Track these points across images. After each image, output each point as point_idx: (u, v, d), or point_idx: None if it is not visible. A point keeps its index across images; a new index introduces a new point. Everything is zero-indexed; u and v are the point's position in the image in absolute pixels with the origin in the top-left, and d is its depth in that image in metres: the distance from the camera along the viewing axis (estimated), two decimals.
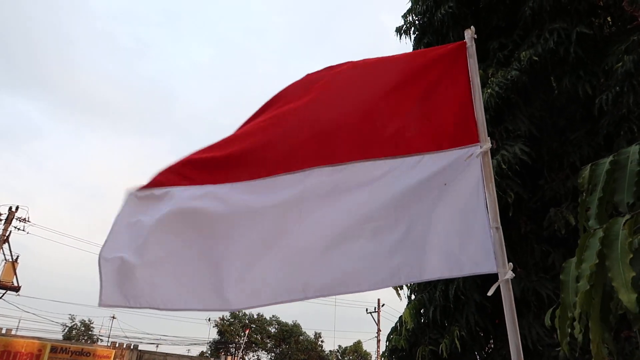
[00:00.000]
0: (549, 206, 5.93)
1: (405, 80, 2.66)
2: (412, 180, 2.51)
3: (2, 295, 23.94)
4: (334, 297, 2.58)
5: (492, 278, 2.28)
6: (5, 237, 23.78)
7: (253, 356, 48.89)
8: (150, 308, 2.37)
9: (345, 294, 2.51)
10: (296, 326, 50.19)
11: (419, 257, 2.44)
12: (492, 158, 5.65)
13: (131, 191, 2.53)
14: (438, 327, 6.47)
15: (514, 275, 2.25)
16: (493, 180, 2.43)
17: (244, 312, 46.52)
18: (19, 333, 25.12)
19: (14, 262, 24.03)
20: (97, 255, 2.37)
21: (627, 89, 5.32)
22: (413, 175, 2.52)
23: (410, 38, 8.39)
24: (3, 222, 24.05)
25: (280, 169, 2.55)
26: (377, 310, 36.15)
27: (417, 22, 8.29)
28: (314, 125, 2.66)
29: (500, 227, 2.34)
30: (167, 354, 28.55)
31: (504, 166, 5.73)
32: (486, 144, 2.46)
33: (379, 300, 36.38)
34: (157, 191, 2.52)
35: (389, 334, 7.02)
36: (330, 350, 53.27)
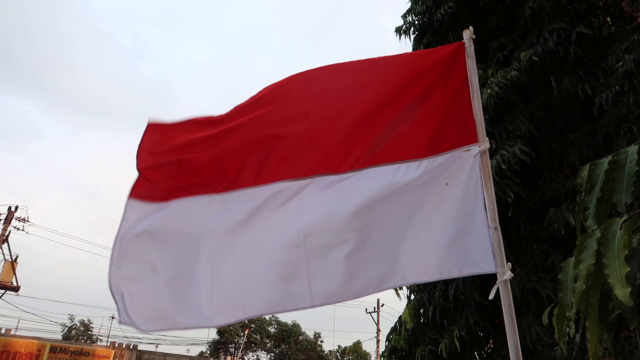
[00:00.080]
0: (548, 206, 5.93)
1: (404, 84, 2.65)
2: (410, 184, 2.51)
3: (2, 295, 23.93)
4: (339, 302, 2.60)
5: (492, 278, 2.28)
6: (5, 237, 23.77)
7: (252, 356, 48.91)
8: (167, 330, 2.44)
9: (349, 300, 2.51)
10: (295, 326, 50.20)
11: (419, 257, 2.44)
12: (491, 158, 5.68)
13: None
14: (437, 327, 6.46)
15: (512, 275, 2.25)
16: (491, 180, 2.43)
17: None
18: (18, 333, 25.11)
19: (13, 262, 24.02)
20: (102, 262, 2.45)
21: (627, 88, 5.33)
22: (413, 180, 2.52)
23: (409, 38, 8.39)
24: (2, 222, 24.04)
25: (277, 177, 2.57)
26: (377, 310, 36.16)
27: (416, 22, 8.28)
28: (313, 133, 2.64)
29: (499, 227, 2.34)
30: (166, 354, 28.54)
31: (503, 166, 5.73)
32: (484, 144, 2.46)
33: (378, 300, 36.42)
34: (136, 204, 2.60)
35: (388, 334, 7.01)
36: (329, 350, 53.32)
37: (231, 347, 45.81)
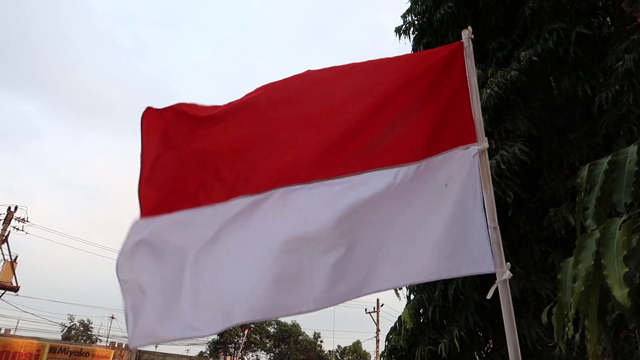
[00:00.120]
0: (548, 206, 5.93)
1: (402, 85, 2.65)
2: (409, 184, 2.51)
3: (1, 296, 23.92)
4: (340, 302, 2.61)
5: (492, 278, 2.28)
6: (4, 237, 23.76)
7: (252, 356, 48.91)
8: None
9: (349, 300, 2.51)
10: (295, 326, 50.21)
11: (418, 257, 2.44)
12: (491, 158, 5.69)
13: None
14: (437, 327, 6.46)
15: (511, 275, 2.24)
16: (490, 179, 2.42)
17: None
18: (17, 333, 25.11)
19: (12, 262, 24.01)
20: (110, 268, 2.46)
21: (627, 88, 5.33)
22: (412, 181, 2.52)
23: (409, 38, 8.39)
24: (2, 222, 24.03)
25: (273, 184, 2.55)
26: (376, 310, 36.17)
27: (416, 22, 8.29)
28: (308, 138, 2.62)
29: (498, 226, 2.34)
30: (166, 354, 28.54)
31: (503, 166, 5.73)
32: (483, 144, 2.46)
33: (378, 300, 36.41)
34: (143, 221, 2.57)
35: (388, 334, 7.02)
36: (329, 351, 53.34)
37: (231, 347, 45.82)
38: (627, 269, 1.07)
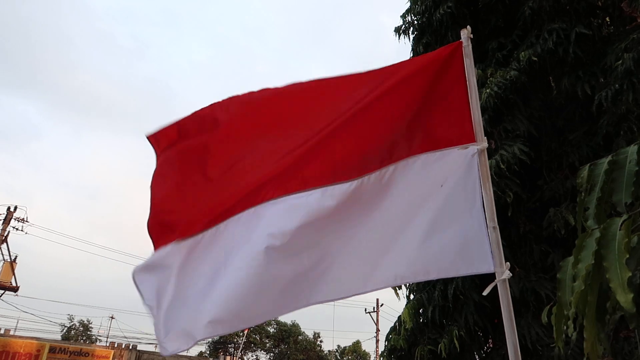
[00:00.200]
0: (548, 206, 5.93)
1: (400, 85, 2.65)
2: (409, 181, 2.52)
3: (1, 296, 23.91)
4: (335, 300, 2.65)
5: (491, 278, 2.28)
6: (4, 237, 23.75)
7: (252, 356, 48.91)
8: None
9: (343, 299, 2.53)
10: (295, 326, 50.19)
11: (417, 257, 2.44)
12: (491, 158, 5.69)
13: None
14: (437, 327, 6.46)
15: (511, 274, 2.25)
16: (490, 179, 2.42)
17: None
18: (17, 333, 25.09)
19: (12, 262, 24.00)
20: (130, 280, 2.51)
21: (626, 87, 5.33)
22: (410, 177, 2.53)
23: (409, 38, 8.40)
24: (1, 222, 24.02)
25: (276, 193, 2.55)
26: (376, 310, 36.17)
27: (415, 22, 8.29)
28: (312, 144, 2.63)
29: (498, 226, 2.34)
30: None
31: (502, 166, 5.73)
32: (483, 144, 2.46)
33: (377, 300, 36.42)
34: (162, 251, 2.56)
35: (387, 334, 7.02)
36: (329, 350, 53.34)
37: (230, 347, 45.82)
38: (630, 273, 1.07)
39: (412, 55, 8.33)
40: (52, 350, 23.71)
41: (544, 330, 5.47)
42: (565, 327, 1.29)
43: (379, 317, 35.94)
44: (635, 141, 1.43)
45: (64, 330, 42.96)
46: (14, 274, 23.98)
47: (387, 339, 6.98)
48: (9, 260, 23.89)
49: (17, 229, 24.73)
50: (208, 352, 44.97)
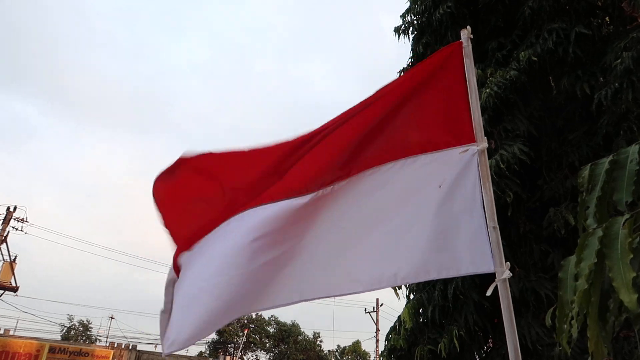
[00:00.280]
0: (548, 206, 5.93)
1: (400, 86, 2.67)
2: (408, 181, 2.53)
3: (1, 296, 23.91)
4: (332, 297, 2.69)
5: (491, 278, 2.28)
6: (3, 238, 23.74)
7: (252, 356, 48.94)
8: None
9: (342, 296, 2.55)
10: (295, 326, 50.24)
11: (417, 256, 2.44)
12: (490, 158, 5.69)
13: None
14: (437, 327, 6.46)
15: (511, 274, 2.25)
16: (490, 179, 2.43)
17: None
18: (17, 333, 25.10)
19: (12, 263, 23.99)
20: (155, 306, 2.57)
21: (626, 85, 5.33)
22: (408, 176, 2.54)
23: (409, 38, 8.40)
24: (1, 222, 24.01)
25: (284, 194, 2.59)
26: (376, 310, 36.19)
27: (415, 22, 8.29)
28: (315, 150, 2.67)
29: (498, 226, 2.34)
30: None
31: (502, 166, 5.73)
32: (483, 144, 2.46)
33: (377, 300, 36.45)
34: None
35: (387, 334, 7.01)
36: (329, 350, 53.39)
37: (230, 347, 45.83)
38: (634, 274, 1.07)
39: (411, 55, 8.34)
40: (51, 350, 23.71)
41: (544, 330, 5.47)
42: (567, 327, 1.28)
43: (379, 316, 35.98)
44: (635, 141, 1.43)
45: (64, 331, 43.00)
46: (13, 274, 23.97)
47: (387, 338, 6.98)
48: (8, 260, 23.89)
49: (16, 229, 24.74)
50: (208, 352, 44.98)
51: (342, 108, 2.72)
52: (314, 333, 51.87)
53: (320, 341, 51.98)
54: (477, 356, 6.38)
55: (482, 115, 2.57)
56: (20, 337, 24.11)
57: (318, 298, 2.52)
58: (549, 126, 6.55)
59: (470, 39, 2.59)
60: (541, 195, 6.21)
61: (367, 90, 2.83)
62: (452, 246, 2.40)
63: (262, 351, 48.97)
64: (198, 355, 38.97)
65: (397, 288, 7.08)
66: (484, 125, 2.55)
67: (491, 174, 2.54)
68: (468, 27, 2.61)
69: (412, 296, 7.17)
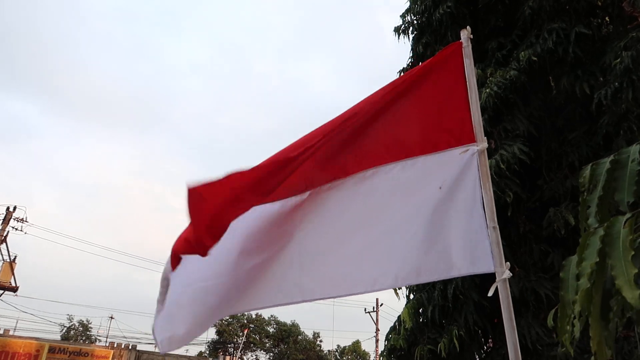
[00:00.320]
0: (547, 206, 5.93)
1: (400, 87, 2.67)
2: (409, 182, 2.53)
3: (0, 296, 23.91)
4: (332, 298, 2.69)
5: (491, 277, 2.28)
6: (3, 237, 23.74)
7: (251, 356, 48.94)
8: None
9: (341, 297, 2.54)
10: (295, 326, 50.23)
11: (417, 258, 2.44)
12: (490, 158, 5.69)
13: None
14: (437, 327, 6.46)
15: (511, 274, 2.25)
16: (490, 179, 2.43)
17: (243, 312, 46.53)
18: (16, 333, 25.09)
19: (11, 262, 23.98)
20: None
21: (626, 85, 5.33)
22: (409, 178, 2.54)
23: (408, 38, 8.40)
24: (1, 222, 24.00)
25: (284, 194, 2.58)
26: (376, 310, 36.19)
27: (415, 21, 8.30)
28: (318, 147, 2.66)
29: (498, 226, 2.34)
30: (165, 354, 28.52)
31: (502, 166, 5.73)
32: (483, 144, 2.46)
33: (377, 300, 36.45)
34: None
35: (387, 334, 7.01)
36: (328, 350, 53.38)
37: (230, 347, 45.83)
38: (636, 270, 1.07)
39: (411, 54, 8.35)
40: (51, 350, 23.70)
41: (544, 330, 5.48)
42: (569, 327, 1.28)
43: (379, 316, 35.98)
44: (635, 140, 1.43)
45: (64, 330, 43.00)
46: (13, 274, 23.97)
47: (386, 338, 6.98)
48: (8, 260, 23.88)
49: (16, 229, 24.74)
50: (207, 352, 44.97)
51: (342, 108, 2.72)
52: (314, 333, 51.90)
53: (320, 341, 52.02)
54: (477, 356, 6.38)
55: (482, 115, 2.57)
56: (19, 337, 24.11)
57: (318, 299, 2.50)
58: (548, 126, 6.55)
59: (470, 39, 2.59)
60: (541, 195, 6.21)
61: (366, 90, 2.83)
62: (453, 246, 2.40)
63: (261, 351, 48.98)
64: (198, 355, 38.97)
65: (397, 288, 7.08)
66: (483, 125, 2.56)
67: (491, 174, 2.54)
68: (468, 27, 2.62)
69: (412, 296, 7.18)
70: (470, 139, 2.48)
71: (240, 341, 42.81)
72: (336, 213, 2.57)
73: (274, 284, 2.49)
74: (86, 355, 24.82)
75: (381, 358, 7.10)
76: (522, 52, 6.22)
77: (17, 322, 31.19)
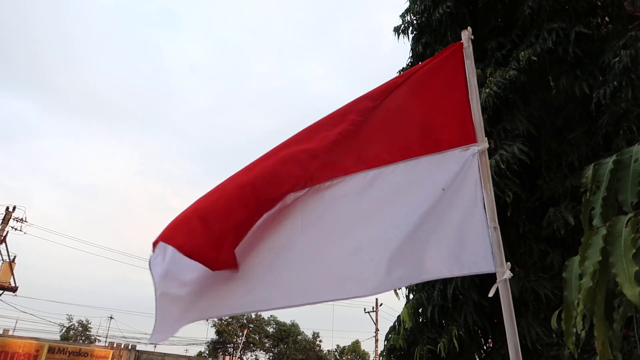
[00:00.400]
0: (547, 206, 5.93)
1: (404, 89, 2.67)
2: (409, 183, 2.53)
3: (0, 296, 23.89)
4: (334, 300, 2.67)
5: (491, 277, 2.28)
6: (3, 237, 23.72)
7: (251, 356, 48.89)
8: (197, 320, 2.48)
9: (346, 299, 2.52)
10: (294, 326, 50.19)
11: (418, 257, 2.44)
12: (490, 158, 5.68)
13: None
14: (436, 327, 6.47)
15: (512, 274, 2.25)
16: (490, 179, 2.43)
17: None
18: (16, 333, 25.08)
19: (11, 263, 23.98)
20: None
21: (625, 83, 5.33)
22: (410, 178, 2.54)
23: (408, 38, 8.39)
24: (0, 222, 23.99)
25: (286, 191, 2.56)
26: (375, 309, 36.19)
27: (415, 21, 8.29)
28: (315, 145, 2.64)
29: (498, 226, 2.34)
30: (165, 354, 28.49)
31: (502, 166, 5.73)
32: (483, 144, 2.47)
33: (377, 300, 36.44)
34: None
35: (387, 334, 7.01)
36: (328, 350, 53.36)
37: (230, 347, 45.81)
38: (637, 267, 1.07)
39: (411, 54, 8.34)
40: (51, 350, 23.68)
41: (544, 330, 5.48)
42: (574, 329, 1.28)
43: (378, 316, 35.99)
44: (635, 140, 1.43)
45: (63, 331, 42.96)
46: (12, 274, 23.96)
47: (386, 338, 6.98)
48: (7, 260, 23.88)
49: (16, 229, 24.74)
50: (207, 352, 44.95)
51: None
52: (314, 333, 51.86)
53: (320, 341, 51.98)
54: (476, 356, 6.38)
55: (482, 115, 2.57)
56: (19, 337, 24.09)
57: (321, 302, 2.47)
58: (548, 126, 6.55)
59: (471, 39, 2.59)
60: (541, 195, 6.21)
61: (366, 90, 2.82)
62: (454, 246, 2.40)
63: (261, 351, 48.94)
64: (197, 355, 38.96)
65: (397, 288, 7.08)
66: (483, 125, 2.56)
67: (491, 174, 2.55)
68: (469, 27, 2.62)
69: (411, 296, 7.17)
70: (471, 139, 2.48)
71: (239, 341, 42.80)
72: (336, 213, 2.55)
73: (274, 285, 2.46)
74: (86, 355, 24.79)
75: (381, 358, 7.09)
76: (522, 52, 6.21)
77: (16, 322, 31.22)
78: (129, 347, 26.85)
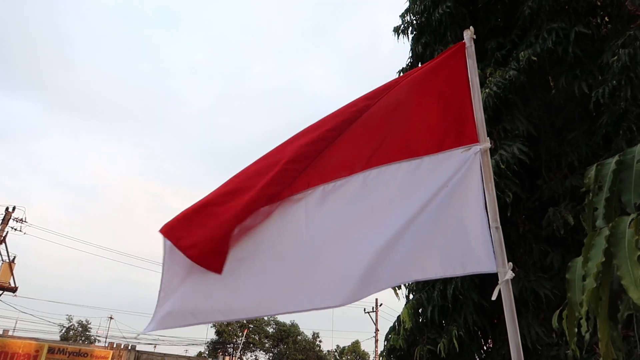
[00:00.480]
0: (547, 206, 5.93)
1: (404, 87, 2.67)
2: (412, 182, 2.53)
3: (0, 296, 23.88)
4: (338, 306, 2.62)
5: (491, 278, 2.28)
6: (2, 238, 23.70)
7: (251, 356, 48.89)
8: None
9: (351, 303, 2.50)
10: (294, 326, 50.19)
11: (419, 256, 2.44)
12: (490, 158, 5.67)
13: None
14: (436, 327, 6.46)
15: (514, 275, 2.25)
16: (492, 179, 2.43)
17: None
18: (16, 334, 25.08)
19: (11, 263, 23.96)
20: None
21: (624, 82, 5.33)
22: (412, 178, 2.54)
23: (408, 38, 8.39)
24: (0, 222, 23.97)
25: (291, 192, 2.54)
26: (375, 310, 36.18)
27: (414, 21, 8.29)
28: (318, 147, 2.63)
29: (500, 226, 2.34)
30: (164, 355, 28.49)
31: (502, 166, 5.73)
32: (485, 144, 2.47)
33: (376, 300, 36.44)
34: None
35: (387, 334, 7.01)
36: (328, 350, 53.39)
37: (229, 347, 45.79)
38: None
39: (411, 54, 8.34)
40: (50, 350, 23.67)
41: (544, 330, 5.47)
42: (577, 329, 1.27)
43: (378, 317, 35.98)
44: (635, 140, 1.43)
45: (63, 331, 42.98)
46: (12, 274, 23.95)
47: (386, 338, 6.97)
48: (7, 260, 23.87)
49: (15, 229, 24.72)
50: (207, 352, 44.94)
51: None
52: (313, 333, 51.86)
53: (320, 341, 51.99)
54: (476, 356, 6.37)
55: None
56: (19, 337, 24.08)
57: (326, 307, 2.44)
58: (548, 126, 6.54)
59: (473, 39, 2.59)
60: (540, 195, 6.21)
61: (366, 90, 2.82)
62: (455, 246, 2.40)
63: (261, 351, 48.93)
64: (197, 355, 38.95)
65: (396, 288, 7.07)
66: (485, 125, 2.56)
67: None
68: (471, 27, 2.62)
69: (411, 296, 7.17)
70: (473, 139, 2.48)
71: (239, 341, 42.79)
72: (339, 213, 2.54)
73: (280, 291, 2.43)
74: (85, 355, 24.79)
75: (380, 358, 7.09)
76: (522, 52, 6.21)
77: (16, 323, 31.23)
78: (129, 348, 26.84)
